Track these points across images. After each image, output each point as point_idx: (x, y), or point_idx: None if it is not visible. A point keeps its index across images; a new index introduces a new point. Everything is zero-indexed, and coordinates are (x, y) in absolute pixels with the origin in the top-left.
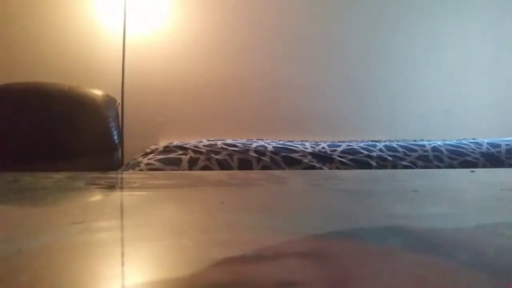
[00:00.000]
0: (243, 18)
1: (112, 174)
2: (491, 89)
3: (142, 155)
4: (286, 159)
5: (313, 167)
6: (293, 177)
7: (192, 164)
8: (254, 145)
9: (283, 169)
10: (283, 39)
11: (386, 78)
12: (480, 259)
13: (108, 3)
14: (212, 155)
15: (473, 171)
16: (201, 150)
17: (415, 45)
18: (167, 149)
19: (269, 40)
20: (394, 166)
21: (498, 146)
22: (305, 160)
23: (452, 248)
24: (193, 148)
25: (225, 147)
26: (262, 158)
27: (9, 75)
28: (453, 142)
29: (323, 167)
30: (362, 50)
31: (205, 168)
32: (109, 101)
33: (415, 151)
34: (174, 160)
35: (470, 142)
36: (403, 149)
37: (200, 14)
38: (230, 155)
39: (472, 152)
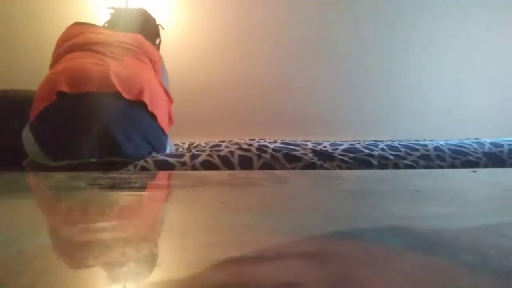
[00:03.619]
0: (245, 19)
1: (113, 174)
2: (493, 88)
3: None
4: (286, 156)
5: (313, 164)
6: (295, 177)
7: (194, 157)
8: (256, 144)
9: (284, 165)
10: (285, 40)
11: (388, 78)
12: (483, 260)
13: (109, 4)
14: (214, 151)
15: (475, 171)
16: (203, 148)
17: (417, 45)
18: None
19: (271, 41)
20: (396, 165)
21: (501, 146)
22: (306, 158)
23: (454, 248)
24: (195, 147)
25: (227, 145)
26: (263, 155)
27: (9, 78)
28: (455, 141)
29: (324, 165)
30: (364, 51)
31: (207, 162)
32: None
33: (417, 150)
34: (177, 154)
35: (473, 142)
36: (405, 149)
37: (201, 15)
38: (231, 152)
39: (474, 152)
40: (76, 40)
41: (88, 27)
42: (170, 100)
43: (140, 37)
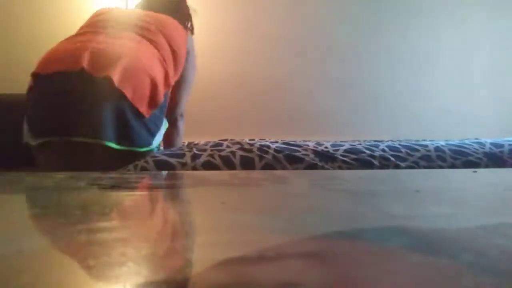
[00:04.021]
0: (246, 19)
1: (113, 174)
2: (494, 89)
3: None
4: (288, 157)
5: (315, 165)
6: (295, 177)
7: (195, 157)
8: (257, 144)
9: (285, 166)
10: (285, 40)
11: (389, 79)
12: (484, 260)
13: (109, 4)
14: (215, 151)
15: (475, 171)
16: (205, 147)
17: (417, 45)
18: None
19: (271, 41)
20: (397, 166)
21: (501, 146)
22: (307, 159)
23: (455, 249)
24: (196, 146)
25: (229, 145)
26: (265, 156)
27: (8, 80)
28: (456, 142)
29: (326, 166)
30: (365, 51)
31: (208, 163)
32: None
33: (418, 151)
34: (177, 154)
35: (473, 142)
36: (405, 149)
37: (201, 15)
38: (233, 152)
39: (475, 152)
40: (88, 21)
41: (112, 9)
42: (167, 84)
43: (168, 19)
